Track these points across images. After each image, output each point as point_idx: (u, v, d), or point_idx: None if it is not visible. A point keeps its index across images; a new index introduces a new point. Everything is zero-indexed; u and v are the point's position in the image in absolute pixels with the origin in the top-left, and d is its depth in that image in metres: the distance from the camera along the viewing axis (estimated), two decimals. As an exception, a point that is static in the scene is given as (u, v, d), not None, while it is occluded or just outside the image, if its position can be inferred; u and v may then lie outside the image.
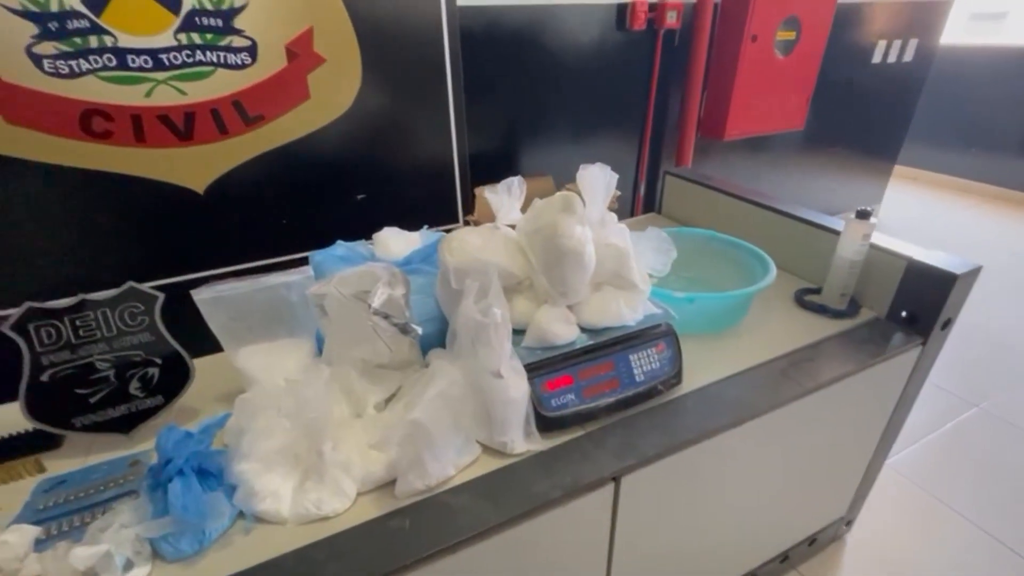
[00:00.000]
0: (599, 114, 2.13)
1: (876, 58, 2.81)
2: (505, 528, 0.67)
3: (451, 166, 1.81)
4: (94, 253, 1.42)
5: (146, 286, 0.78)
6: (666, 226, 0.88)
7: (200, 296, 0.78)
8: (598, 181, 0.79)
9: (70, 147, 1.31)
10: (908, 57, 2.94)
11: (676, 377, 0.86)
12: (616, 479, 0.74)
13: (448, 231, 0.86)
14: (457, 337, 0.75)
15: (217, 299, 0.79)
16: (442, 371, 0.73)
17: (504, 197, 0.85)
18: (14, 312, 0.71)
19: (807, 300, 1.12)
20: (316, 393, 0.66)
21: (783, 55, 2.33)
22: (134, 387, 0.79)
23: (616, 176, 0.82)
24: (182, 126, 1.40)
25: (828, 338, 1.02)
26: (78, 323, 0.74)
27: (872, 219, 1.00)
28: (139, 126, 1.35)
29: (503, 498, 0.69)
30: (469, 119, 1.74)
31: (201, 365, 0.85)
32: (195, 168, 1.46)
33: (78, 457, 0.78)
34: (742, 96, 2.29)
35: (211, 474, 0.66)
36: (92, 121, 1.31)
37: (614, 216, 0.86)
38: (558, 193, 0.80)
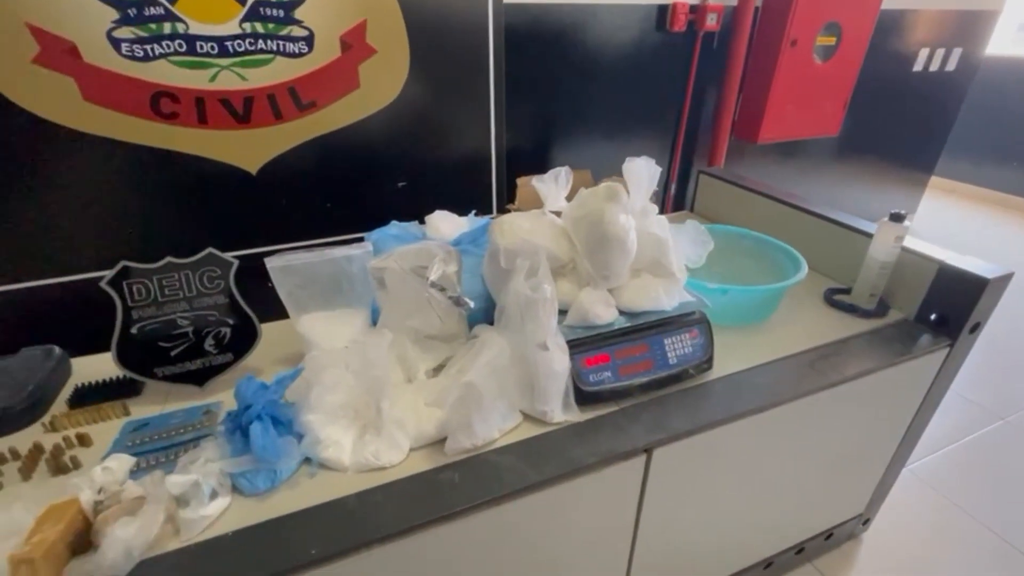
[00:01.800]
0: (635, 112, 2.17)
1: (917, 66, 2.78)
2: (544, 487, 0.73)
3: (489, 158, 1.87)
4: (155, 226, 1.52)
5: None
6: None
7: (272, 264, 0.85)
8: (643, 173, 0.84)
9: (140, 126, 1.41)
10: (951, 66, 2.89)
11: (707, 363, 0.91)
12: (648, 451, 0.79)
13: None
14: (505, 312, 0.81)
15: (286, 267, 0.86)
16: (491, 342, 0.79)
17: (551, 186, 0.91)
18: (110, 272, 0.79)
19: (836, 299, 1.15)
20: (380, 354, 0.73)
21: (822, 60, 2.32)
22: (208, 344, 0.87)
23: (660, 169, 0.87)
24: (241, 110, 1.49)
25: (855, 336, 1.05)
26: (164, 282, 0.82)
27: (905, 222, 1.03)
28: (202, 108, 1.45)
29: (542, 461, 0.75)
30: (508, 113, 1.80)
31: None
32: (250, 150, 1.55)
33: (157, 404, 0.86)
34: (778, 100, 2.30)
35: (281, 422, 0.74)
36: (161, 102, 1.40)
37: (655, 207, 0.91)
38: (603, 183, 0.86)
